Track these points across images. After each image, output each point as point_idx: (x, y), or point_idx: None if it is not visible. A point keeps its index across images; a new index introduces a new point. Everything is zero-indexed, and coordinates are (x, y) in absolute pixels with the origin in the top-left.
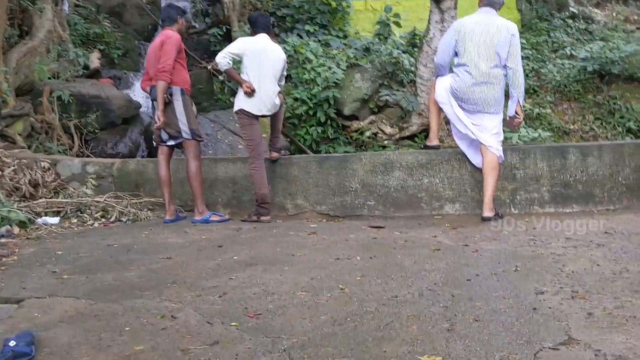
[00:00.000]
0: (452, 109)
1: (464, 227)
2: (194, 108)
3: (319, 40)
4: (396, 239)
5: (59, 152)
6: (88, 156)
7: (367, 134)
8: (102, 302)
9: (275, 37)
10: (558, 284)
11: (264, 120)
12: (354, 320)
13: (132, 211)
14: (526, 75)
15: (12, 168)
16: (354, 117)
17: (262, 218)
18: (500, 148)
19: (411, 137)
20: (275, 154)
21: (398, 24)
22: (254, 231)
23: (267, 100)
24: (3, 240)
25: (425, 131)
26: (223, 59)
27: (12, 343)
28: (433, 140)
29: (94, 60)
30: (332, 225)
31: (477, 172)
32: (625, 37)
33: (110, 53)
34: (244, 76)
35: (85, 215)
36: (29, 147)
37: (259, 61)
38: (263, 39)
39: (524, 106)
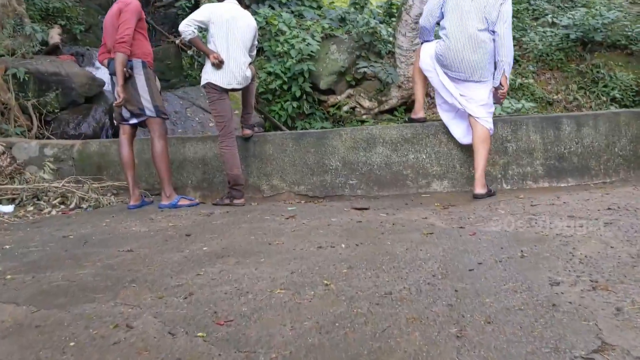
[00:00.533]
0: (437, 77)
1: (456, 207)
2: (158, 82)
3: (292, 11)
4: (383, 222)
5: (17, 134)
6: (48, 138)
7: (345, 108)
8: (46, 309)
9: (245, 8)
10: (573, 272)
11: (234, 95)
12: (344, 325)
13: (93, 197)
14: None
15: None
16: (330, 92)
17: (235, 201)
18: (491, 120)
19: (390, 111)
20: (247, 131)
21: None
22: (226, 216)
23: (237, 72)
24: None
25: (405, 104)
26: (187, 27)
27: None
28: (418, 113)
29: (54, 35)
30: (312, 207)
31: (466, 146)
32: (607, 3)
33: (72, 29)
34: (210, 46)
35: (42, 202)
36: None
37: (227, 29)
38: (231, 5)
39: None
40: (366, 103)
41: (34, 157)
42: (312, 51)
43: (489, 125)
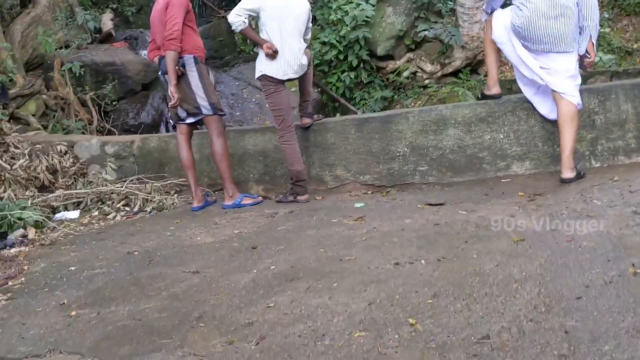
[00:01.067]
0: (513, 50)
1: (543, 196)
2: (212, 77)
3: None
4: (463, 225)
5: (78, 129)
6: (109, 130)
7: (405, 74)
8: None
9: None
10: None
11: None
12: None
13: (156, 198)
14: None
15: (25, 159)
16: (388, 57)
17: (299, 198)
18: (577, 94)
19: (455, 74)
20: (307, 120)
21: None
22: (291, 218)
23: (292, 61)
24: (14, 250)
25: (470, 65)
26: (237, 17)
27: None
28: (492, 88)
29: (106, 22)
30: (381, 202)
31: (549, 122)
32: None
33: (124, 12)
34: (263, 35)
35: (106, 207)
36: (45, 127)
37: (279, 15)
38: None
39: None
40: (428, 67)
41: (96, 156)
42: (367, 16)
43: (576, 99)
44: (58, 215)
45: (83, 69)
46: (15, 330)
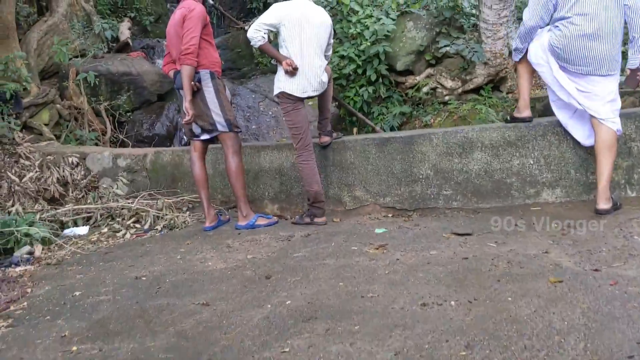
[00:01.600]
0: (551, 73)
1: (577, 229)
2: (228, 93)
3: None
4: (494, 260)
5: (91, 139)
6: (122, 142)
7: (425, 89)
8: None
9: None
10: None
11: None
12: None
13: (168, 216)
14: None
15: (36, 171)
16: (408, 72)
17: (316, 220)
18: (618, 119)
19: (476, 90)
20: (325, 138)
21: None
22: (308, 243)
23: (312, 79)
24: (19, 269)
25: (492, 82)
26: (256, 32)
27: None
28: (523, 111)
29: (124, 31)
30: (403, 228)
31: (582, 148)
32: None
33: (142, 20)
34: (282, 51)
35: (116, 224)
36: (58, 137)
37: (299, 31)
38: (303, 2)
39: None
40: (448, 83)
41: (108, 169)
42: (387, 31)
43: (617, 126)
44: (67, 231)
45: (98, 79)
46: None
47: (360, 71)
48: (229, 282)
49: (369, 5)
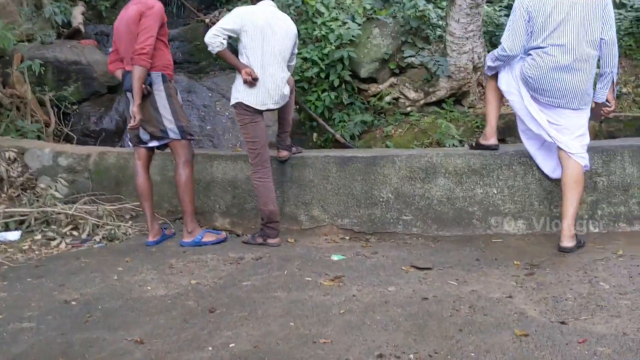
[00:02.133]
0: (521, 102)
1: (541, 269)
2: (179, 97)
3: None
4: (455, 304)
5: (33, 131)
6: (67, 135)
7: (387, 99)
8: None
9: None
10: None
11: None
12: None
13: (108, 225)
14: None
15: None
16: (371, 80)
17: (270, 241)
18: (586, 155)
19: (438, 103)
20: (284, 153)
21: None
22: (258, 269)
23: (273, 90)
24: None
25: (454, 96)
26: (215, 38)
27: None
28: (489, 139)
29: (77, 16)
30: (360, 255)
31: (547, 180)
32: None
33: (98, 5)
34: (242, 59)
35: (50, 231)
36: None
37: (261, 39)
38: (267, 8)
39: None
40: (411, 94)
41: (48, 167)
42: (352, 36)
43: (585, 161)
44: None
45: (45, 67)
46: None
47: (323, 75)
48: (168, 314)
49: (335, 8)
